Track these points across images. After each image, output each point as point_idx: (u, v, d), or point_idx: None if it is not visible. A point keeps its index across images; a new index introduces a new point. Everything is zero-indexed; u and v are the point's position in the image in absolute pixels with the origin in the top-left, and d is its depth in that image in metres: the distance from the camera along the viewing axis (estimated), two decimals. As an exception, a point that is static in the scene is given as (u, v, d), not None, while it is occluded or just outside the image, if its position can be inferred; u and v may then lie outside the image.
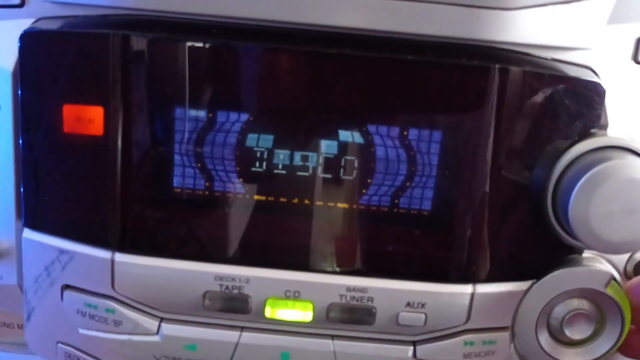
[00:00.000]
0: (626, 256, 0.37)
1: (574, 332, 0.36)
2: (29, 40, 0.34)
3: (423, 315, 0.35)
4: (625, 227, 0.31)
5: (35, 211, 0.36)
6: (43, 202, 0.36)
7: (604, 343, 0.36)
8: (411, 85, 0.33)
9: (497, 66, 0.32)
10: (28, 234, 0.37)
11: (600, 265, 0.35)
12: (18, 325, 0.41)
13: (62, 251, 0.36)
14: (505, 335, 0.36)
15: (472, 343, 0.36)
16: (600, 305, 0.35)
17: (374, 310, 0.35)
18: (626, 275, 0.37)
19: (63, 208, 0.36)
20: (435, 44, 0.33)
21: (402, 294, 0.35)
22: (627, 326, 0.35)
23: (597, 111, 0.33)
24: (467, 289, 0.35)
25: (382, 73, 0.33)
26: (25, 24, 0.35)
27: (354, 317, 0.35)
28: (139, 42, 0.33)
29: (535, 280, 0.35)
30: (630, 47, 0.34)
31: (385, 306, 0.35)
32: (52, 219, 0.36)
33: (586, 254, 0.36)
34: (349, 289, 0.35)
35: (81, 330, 0.38)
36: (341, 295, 0.35)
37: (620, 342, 0.36)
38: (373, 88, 0.33)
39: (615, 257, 0.37)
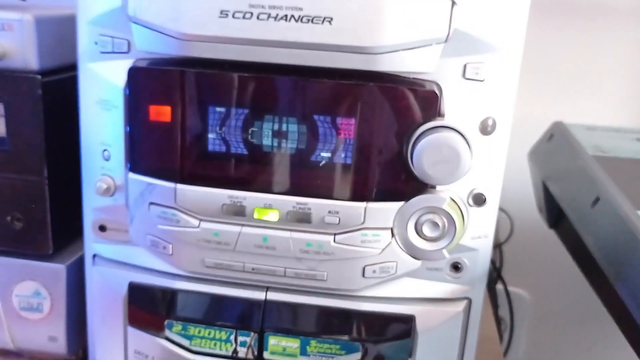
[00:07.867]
0: (468, 190, 0.50)
1: (429, 232, 0.49)
2: (132, 72, 0.47)
3: (337, 218, 0.48)
4: (442, 170, 0.45)
5: (135, 162, 0.49)
6: (139, 157, 0.49)
7: (446, 239, 0.50)
8: (320, 95, 0.46)
9: (371, 84, 0.44)
10: (131, 175, 0.49)
11: (444, 193, 0.49)
12: (125, 230, 0.53)
13: (148, 184, 0.48)
14: (387, 231, 0.49)
15: (366, 235, 0.48)
16: (444, 216, 0.49)
17: (311, 215, 0.48)
18: (468, 203, 0.50)
19: (150, 160, 0.48)
20: (341, 71, 0.44)
21: (326, 206, 0.47)
22: (460, 232, 0.49)
23: (435, 107, 0.46)
24: (362, 205, 0.47)
25: (304, 87, 0.46)
26: (129, 62, 0.48)
27: (300, 218, 0.48)
28: (190, 74, 0.46)
29: (405, 201, 0.48)
30: (461, 69, 0.47)
31: (317, 213, 0.48)
32: (144, 166, 0.49)
33: (439, 188, 0.48)
34: (297, 202, 0.48)
35: (159, 226, 0.50)
36: (293, 206, 0.48)
37: (455, 241, 0.49)
38: (305, 96, 0.46)
39: (459, 190, 0.49)
